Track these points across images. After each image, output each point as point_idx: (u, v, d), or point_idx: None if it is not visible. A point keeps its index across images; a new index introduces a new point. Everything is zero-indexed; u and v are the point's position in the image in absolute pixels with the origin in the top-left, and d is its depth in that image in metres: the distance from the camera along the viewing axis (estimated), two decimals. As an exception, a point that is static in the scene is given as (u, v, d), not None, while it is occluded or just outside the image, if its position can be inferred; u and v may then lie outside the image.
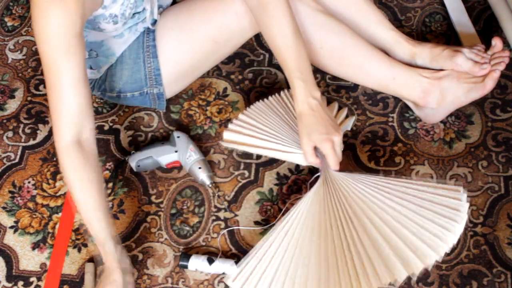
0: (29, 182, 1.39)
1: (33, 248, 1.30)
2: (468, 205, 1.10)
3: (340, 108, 1.41)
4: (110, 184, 1.37)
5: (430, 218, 1.09)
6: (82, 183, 1.12)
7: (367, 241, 1.08)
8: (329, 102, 1.42)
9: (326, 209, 1.15)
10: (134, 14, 1.25)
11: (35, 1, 1.04)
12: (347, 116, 1.40)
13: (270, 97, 1.40)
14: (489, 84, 1.26)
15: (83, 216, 1.13)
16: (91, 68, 1.34)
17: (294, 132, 1.29)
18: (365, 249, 1.08)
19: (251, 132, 1.32)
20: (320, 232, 1.13)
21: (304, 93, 1.17)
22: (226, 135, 1.34)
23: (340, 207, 1.14)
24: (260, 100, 1.39)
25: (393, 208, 1.11)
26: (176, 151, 1.33)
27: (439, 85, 1.29)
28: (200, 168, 1.32)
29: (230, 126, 1.35)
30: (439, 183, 1.17)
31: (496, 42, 1.27)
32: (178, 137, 1.35)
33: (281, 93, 1.41)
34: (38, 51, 1.08)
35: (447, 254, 1.21)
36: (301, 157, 1.24)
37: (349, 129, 1.38)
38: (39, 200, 1.37)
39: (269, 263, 1.14)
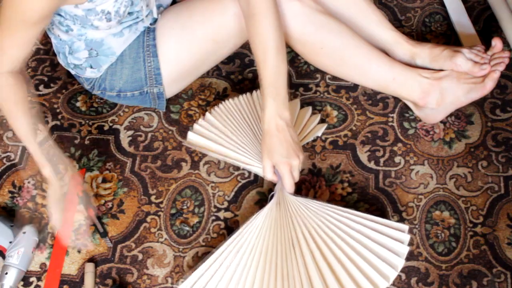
0: (29, 182, 1.39)
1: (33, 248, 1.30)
2: (408, 250, 1.13)
3: (313, 113, 1.42)
4: (110, 184, 1.37)
5: (369, 259, 1.12)
6: (17, 104, 1.20)
7: (310, 268, 1.12)
8: (315, 105, 1.42)
9: (274, 232, 1.18)
10: (132, 12, 1.25)
11: None
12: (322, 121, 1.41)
13: (240, 96, 1.41)
14: (489, 85, 1.26)
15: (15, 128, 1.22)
16: (91, 67, 1.34)
17: (257, 141, 1.31)
18: (308, 276, 1.11)
19: (214, 136, 1.33)
20: (266, 256, 1.16)
21: (273, 112, 1.18)
22: (190, 136, 1.35)
23: (288, 232, 1.17)
24: (230, 99, 1.40)
25: (334, 242, 1.14)
26: (10, 242, 1.26)
27: (438, 85, 1.29)
28: (6, 273, 1.23)
29: (195, 127, 1.36)
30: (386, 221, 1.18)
31: (496, 43, 1.27)
32: (24, 232, 1.27)
33: (253, 93, 1.41)
34: (2, 8, 1.11)
35: (447, 254, 1.21)
36: (260, 170, 1.27)
37: (319, 135, 1.38)
38: (39, 200, 1.37)
39: (211, 279, 1.16)
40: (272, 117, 1.19)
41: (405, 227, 1.16)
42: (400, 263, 1.12)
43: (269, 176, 1.22)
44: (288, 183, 1.20)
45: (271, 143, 1.19)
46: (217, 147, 1.32)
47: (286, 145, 1.18)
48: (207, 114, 1.38)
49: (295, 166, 1.20)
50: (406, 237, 1.15)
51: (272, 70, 1.19)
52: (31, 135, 1.22)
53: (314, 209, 1.19)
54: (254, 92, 1.42)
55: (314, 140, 1.38)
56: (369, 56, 1.31)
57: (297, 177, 1.21)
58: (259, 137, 1.32)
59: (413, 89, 1.31)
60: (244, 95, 1.41)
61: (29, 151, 1.23)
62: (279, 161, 1.19)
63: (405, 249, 1.13)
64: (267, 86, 1.19)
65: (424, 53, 1.33)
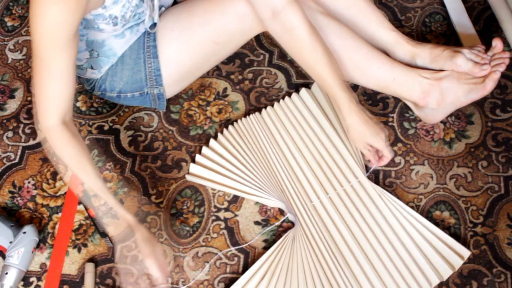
0: (29, 182, 1.39)
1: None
2: (450, 274, 1.17)
3: None
4: (110, 184, 1.37)
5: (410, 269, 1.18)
6: (76, 157, 1.16)
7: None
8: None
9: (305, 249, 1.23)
10: (134, 14, 1.25)
11: None
12: None
13: (248, 117, 1.41)
14: (489, 85, 1.26)
15: (88, 186, 1.19)
16: (92, 68, 1.34)
17: (268, 166, 1.33)
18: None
19: (218, 167, 1.34)
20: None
21: (349, 103, 1.23)
22: (193, 168, 1.35)
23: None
24: (239, 121, 1.41)
25: (388, 239, 1.21)
26: (10, 242, 1.26)
27: (439, 85, 1.29)
28: (6, 273, 1.23)
29: (197, 158, 1.37)
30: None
31: (497, 43, 1.27)
32: (25, 232, 1.27)
33: (263, 111, 1.42)
34: (32, 41, 1.10)
35: (447, 254, 1.21)
36: (264, 199, 1.30)
37: None
38: (39, 200, 1.37)
39: None
40: (351, 106, 1.23)
41: (467, 253, 1.20)
42: (435, 281, 1.16)
43: (373, 158, 1.28)
44: (389, 153, 1.26)
45: (359, 131, 1.24)
46: (219, 178, 1.33)
47: (369, 125, 1.24)
48: (212, 140, 1.38)
49: (387, 137, 1.26)
50: (459, 262, 1.18)
51: (331, 71, 1.22)
52: (105, 186, 1.19)
53: (382, 201, 1.25)
54: (263, 110, 1.42)
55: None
56: (369, 57, 1.31)
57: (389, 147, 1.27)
58: (270, 160, 1.33)
59: (414, 89, 1.31)
60: (253, 115, 1.42)
61: (109, 204, 1.19)
62: (376, 140, 1.24)
63: (447, 273, 1.18)
64: (334, 85, 1.23)
65: (424, 53, 1.33)
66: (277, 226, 1.28)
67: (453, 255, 1.18)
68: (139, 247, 1.17)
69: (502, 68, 1.25)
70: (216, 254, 1.26)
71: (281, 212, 1.30)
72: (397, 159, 1.34)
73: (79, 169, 1.17)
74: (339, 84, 1.22)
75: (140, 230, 1.18)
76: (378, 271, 1.17)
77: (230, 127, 1.41)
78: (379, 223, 1.22)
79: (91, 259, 1.28)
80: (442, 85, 1.29)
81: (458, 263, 1.18)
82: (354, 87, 1.45)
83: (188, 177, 1.34)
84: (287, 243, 1.23)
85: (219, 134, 1.40)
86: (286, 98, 1.42)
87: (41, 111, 1.15)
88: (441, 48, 1.32)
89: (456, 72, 1.28)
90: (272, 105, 1.43)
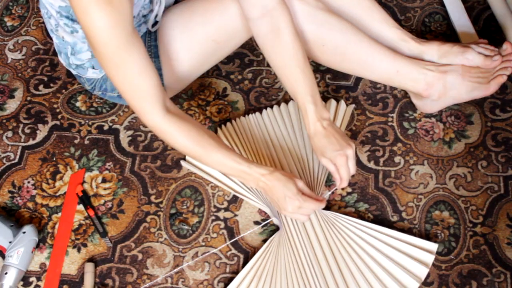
0: (28, 182, 1.39)
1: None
2: (426, 272, 1.17)
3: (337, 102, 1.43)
4: (110, 184, 1.37)
5: (383, 282, 1.15)
6: (195, 144, 1.15)
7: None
8: (324, 100, 1.43)
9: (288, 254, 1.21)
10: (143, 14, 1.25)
11: (79, 7, 1.02)
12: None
13: (247, 116, 1.41)
14: (493, 87, 1.27)
15: (219, 165, 1.18)
16: (93, 68, 1.34)
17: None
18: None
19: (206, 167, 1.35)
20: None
21: (316, 116, 1.21)
22: (183, 164, 1.36)
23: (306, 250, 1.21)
24: (229, 122, 1.41)
25: (352, 261, 1.19)
26: (10, 242, 1.26)
27: (444, 78, 1.29)
28: (6, 273, 1.23)
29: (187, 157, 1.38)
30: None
31: (507, 46, 1.28)
32: (24, 232, 1.26)
33: (263, 111, 1.41)
34: (96, 52, 1.07)
35: (446, 254, 1.21)
36: (250, 200, 1.30)
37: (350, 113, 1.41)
38: (38, 200, 1.37)
39: None
40: (315, 120, 1.21)
41: (434, 246, 1.19)
42: (415, 285, 1.15)
43: (333, 169, 1.22)
44: (344, 172, 1.20)
45: (320, 143, 1.21)
46: (213, 171, 1.34)
47: (335, 140, 1.20)
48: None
49: (350, 155, 1.20)
50: (430, 258, 1.18)
51: (306, 79, 1.21)
52: (236, 155, 1.17)
53: (341, 224, 1.23)
54: (264, 110, 1.42)
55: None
56: (371, 50, 1.31)
57: (353, 167, 1.21)
58: (268, 155, 1.33)
59: (418, 81, 1.30)
60: (253, 114, 1.42)
61: (242, 168, 1.16)
62: (334, 155, 1.19)
63: (424, 272, 1.16)
64: (305, 94, 1.21)
65: (432, 50, 1.33)
66: (276, 226, 1.28)
67: (423, 253, 1.18)
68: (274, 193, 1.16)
69: (508, 72, 1.26)
70: (216, 254, 1.26)
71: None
72: (397, 159, 1.34)
73: (202, 155, 1.16)
74: (309, 95, 1.20)
75: (274, 177, 1.15)
76: (358, 283, 1.16)
77: (227, 124, 1.41)
78: (349, 241, 1.21)
79: (91, 259, 1.28)
80: (447, 78, 1.29)
81: (430, 259, 1.17)
82: (354, 87, 1.45)
83: (183, 163, 1.35)
84: (273, 248, 1.23)
85: (218, 130, 1.40)
86: (283, 104, 1.42)
87: (141, 113, 1.14)
88: (449, 44, 1.32)
89: (463, 67, 1.28)
90: (272, 106, 1.43)
